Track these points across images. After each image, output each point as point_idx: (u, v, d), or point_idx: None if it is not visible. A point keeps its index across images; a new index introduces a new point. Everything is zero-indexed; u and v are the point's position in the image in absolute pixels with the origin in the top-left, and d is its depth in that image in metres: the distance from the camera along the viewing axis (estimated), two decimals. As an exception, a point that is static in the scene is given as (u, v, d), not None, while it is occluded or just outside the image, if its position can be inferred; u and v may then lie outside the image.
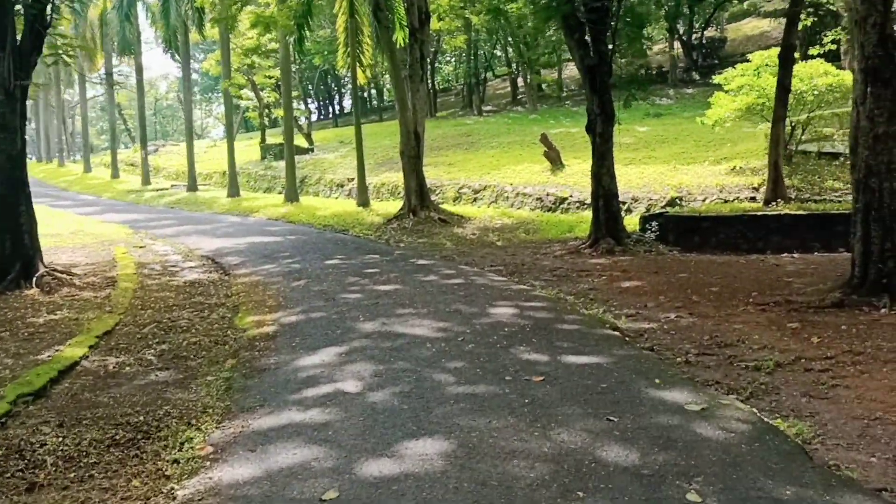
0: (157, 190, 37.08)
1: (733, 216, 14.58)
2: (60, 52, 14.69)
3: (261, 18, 21.08)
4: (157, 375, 7.31)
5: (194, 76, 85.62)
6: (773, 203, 15.86)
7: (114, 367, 7.60)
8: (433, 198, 23.03)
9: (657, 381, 6.15)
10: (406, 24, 21.60)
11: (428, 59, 23.02)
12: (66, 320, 9.83)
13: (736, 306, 9.28)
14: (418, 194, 21.03)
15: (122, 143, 79.37)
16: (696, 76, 41.70)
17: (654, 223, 15.41)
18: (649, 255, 14.26)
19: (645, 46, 19.51)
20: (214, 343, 8.45)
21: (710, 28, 45.77)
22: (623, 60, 16.04)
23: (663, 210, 18.23)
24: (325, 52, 45.32)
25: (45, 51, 15.13)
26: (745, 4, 53.01)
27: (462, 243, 17.22)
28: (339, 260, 14.42)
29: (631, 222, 16.91)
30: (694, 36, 44.27)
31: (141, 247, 17.91)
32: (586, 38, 15.25)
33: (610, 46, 15.27)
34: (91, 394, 6.66)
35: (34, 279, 12.05)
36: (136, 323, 9.64)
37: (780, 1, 46.08)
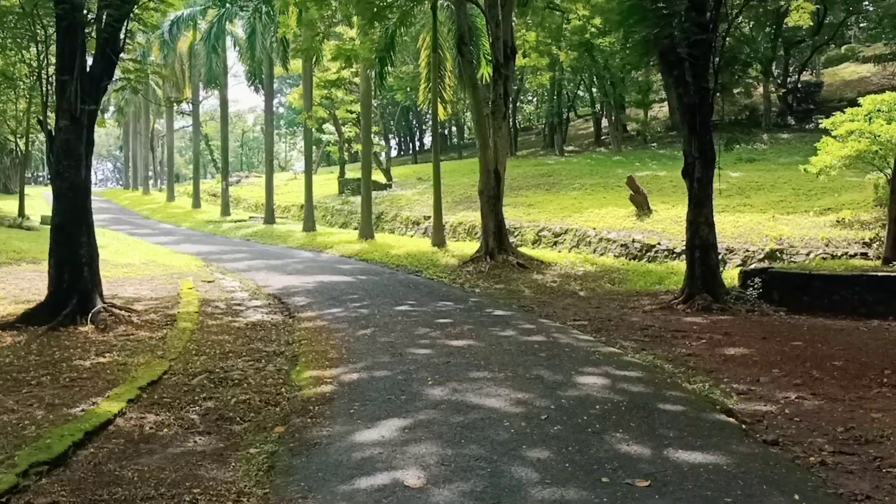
0: (236, 221, 37.05)
1: (850, 275, 13.03)
2: (131, 77, 14.25)
3: (342, 51, 20.59)
4: (195, 442, 6.40)
5: (280, 110, 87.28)
6: (894, 262, 14.24)
7: (150, 429, 6.74)
8: (511, 240, 21.99)
9: (796, 496, 4.89)
10: (490, 59, 20.79)
11: (511, 97, 22.10)
12: (114, 365, 9.09)
13: (868, 387, 7.90)
14: (496, 236, 20.00)
15: (209, 173, 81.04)
16: (791, 121, 39.78)
17: (756, 279, 13.99)
18: (752, 315, 12.85)
19: (750, 86, 18.13)
20: (265, 403, 7.52)
21: (805, 72, 43.81)
22: (724, 100, 14.71)
23: (766, 265, 16.77)
24: (408, 89, 45.07)
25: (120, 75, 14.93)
26: (843, 49, 50.85)
27: (542, 292, 16.08)
28: (409, 306, 13.47)
29: (727, 276, 15.51)
30: (789, 80, 42.32)
31: (209, 281, 17.36)
32: (686, 75, 14.07)
33: (712, 84, 14.03)
34: (116, 464, 5.78)
35: (90, 315, 11.44)
36: (186, 371, 8.82)
37: (883, 46, 43.96)
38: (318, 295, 15.07)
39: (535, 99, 61.90)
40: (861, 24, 50.31)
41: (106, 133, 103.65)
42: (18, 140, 34.82)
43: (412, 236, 29.09)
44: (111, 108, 62.51)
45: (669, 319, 12.57)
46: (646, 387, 7.76)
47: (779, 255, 18.16)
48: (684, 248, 18.41)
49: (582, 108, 59.42)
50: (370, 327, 11.34)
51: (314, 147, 60.74)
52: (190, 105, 45.21)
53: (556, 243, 23.58)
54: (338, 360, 9.19)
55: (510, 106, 22.91)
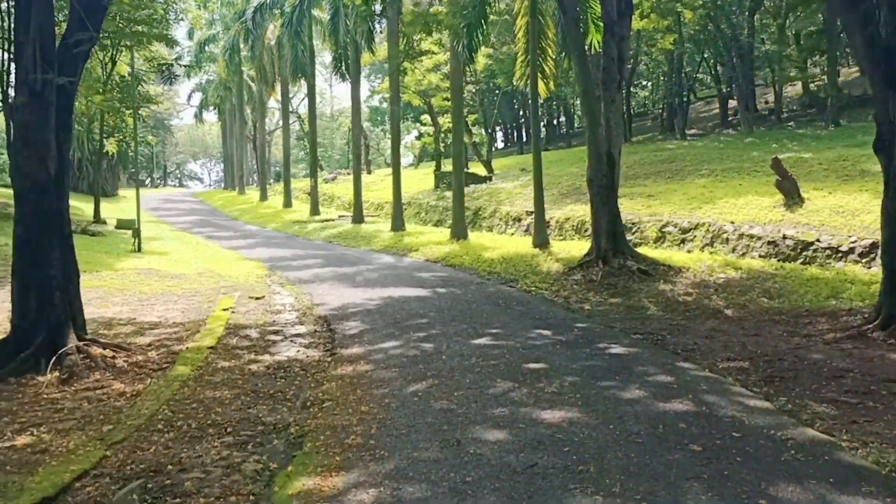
0: (323, 221, 34.36)
1: None
2: (109, 38, 11.23)
3: (420, 16, 17.11)
4: None
5: (384, 105, 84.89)
6: None
7: None
8: (628, 238, 18.05)
9: None
10: (598, 18, 16.94)
11: (627, 64, 18.15)
12: (26, 452, 5.98)
13: None
14: (610, 235, 16.14)
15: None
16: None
17: None
18: None
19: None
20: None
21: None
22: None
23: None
24: (508, 72, 41.41)
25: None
26: None
27: (673, 309, 12.20)
28: (491, 337, 9.88)
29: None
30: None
31: (258, 297, 14.31)
32: (880, 8, 9.92)
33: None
34: None
35: (55, 358, 8.45)
36: (119, 471, 5.59)
37: None
38: (378, 318, 11.69)
39: (649, 84, 57.01)
40: None
41: (219, 134, 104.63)
42: (105, 140, 33.30)
43: (512, 234, 25.45)
44: (211, 108, 61.65)
45: (870, 357, 8.56)
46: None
47: None
48: (866, 248, 14.25)
49: (701, 91, 54.21)
50: (428, 378, 7.83)
51: (416, 140, 57.92)
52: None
53: (683, 241, 19.44)
54: (358, 452, 5.74)
55: (625, 75, 18.92)
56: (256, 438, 6.32)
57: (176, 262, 20.03)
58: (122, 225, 27.78)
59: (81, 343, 8.87)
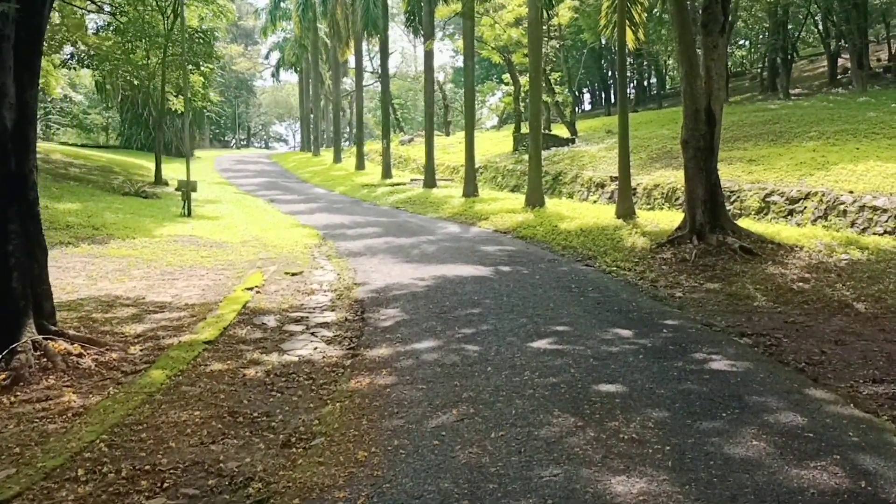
0: (393, 185, 32.55)
1: None
2: None
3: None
4: None
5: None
6: None
7: None
8: (727, 208, 15.52)
9: None
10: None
11: (731, 4, 15.42)
12: None
13: None
14: (708, 206, 13.70)
15: (395, 132, 77.73)
16: None
17: None
18: None
19: None
20: None
21: None
22: None
23: None
24: (595, 27, 38.40)
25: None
26: None
27: (786, 300, 9.81)
28: (554, 339, 7.73)
29: None
30: None
31: (296, 273, 12.53)
32: None
33: None
34: None
35: (4, 355, 6.78)
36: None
37: None
38: (422, 305, 9.70)
39: (747, 42, 52.75)
40: None
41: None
42: (174, 98, 32.14)
43: (595, 202, 23.03)
44: (288, 67, 60.32)
45: None
46: None
47: None
48: None
49: (804, 49, 49.84)
50: (461, 404, 5.80)
51: (499, 102, 55.39)
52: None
53: (791, 213, 16.75)
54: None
55: (729, 19, 16.21)
56: (198, 501, 4.44)
57: (223, 229, 18.52)
58: (181, 187, 26.58)
59: (42, 337, 7.19)
